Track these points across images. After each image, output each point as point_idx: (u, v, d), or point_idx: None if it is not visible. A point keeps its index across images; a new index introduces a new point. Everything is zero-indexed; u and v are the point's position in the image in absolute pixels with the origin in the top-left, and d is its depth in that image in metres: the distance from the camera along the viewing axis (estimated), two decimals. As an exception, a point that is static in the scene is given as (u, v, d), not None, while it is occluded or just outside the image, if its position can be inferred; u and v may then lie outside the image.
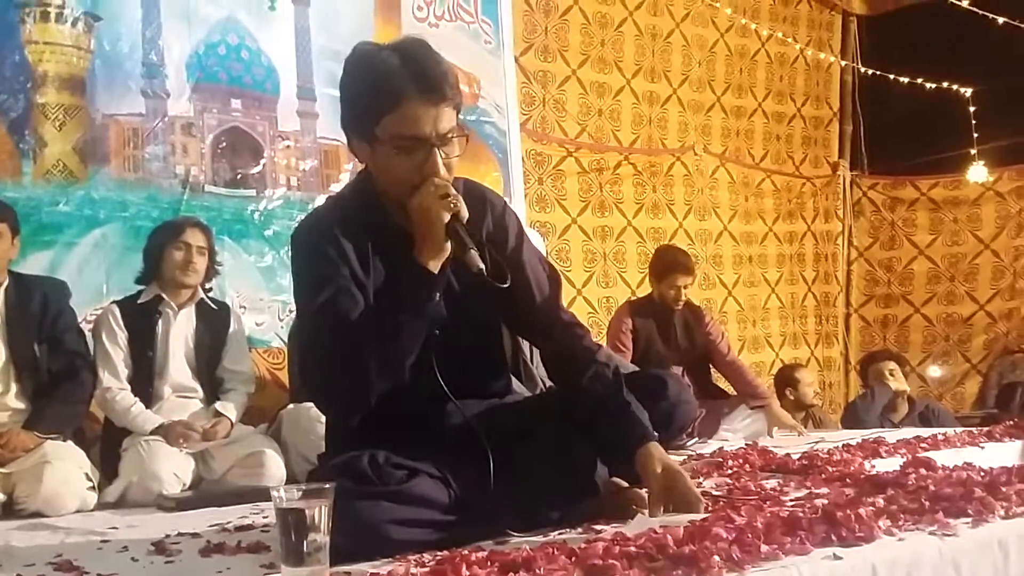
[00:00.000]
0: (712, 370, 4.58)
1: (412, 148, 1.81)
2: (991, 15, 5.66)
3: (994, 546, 1.76)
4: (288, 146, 4.16)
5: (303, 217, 2.10)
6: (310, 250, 1.89)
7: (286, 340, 3.79)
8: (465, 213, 1.81)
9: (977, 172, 6.25)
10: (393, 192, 1.88)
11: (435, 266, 1.80)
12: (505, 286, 1.84)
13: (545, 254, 4.43)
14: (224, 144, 3.99)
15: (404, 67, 1.83)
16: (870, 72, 6.40)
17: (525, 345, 3.27)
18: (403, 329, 1.79)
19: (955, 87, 6.09)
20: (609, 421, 1.94)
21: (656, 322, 4.40)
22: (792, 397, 4.93)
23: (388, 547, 1.71)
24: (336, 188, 4.23)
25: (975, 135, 6.12)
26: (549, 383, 3.61)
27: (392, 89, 1.80)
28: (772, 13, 6.36)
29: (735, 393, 4.48)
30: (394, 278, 1.85)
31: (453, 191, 1.81)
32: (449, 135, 1.83)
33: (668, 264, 4.42)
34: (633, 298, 4.94)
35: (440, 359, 1.88)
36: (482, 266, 1.82)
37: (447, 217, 1.78)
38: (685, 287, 4.38)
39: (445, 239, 1.79)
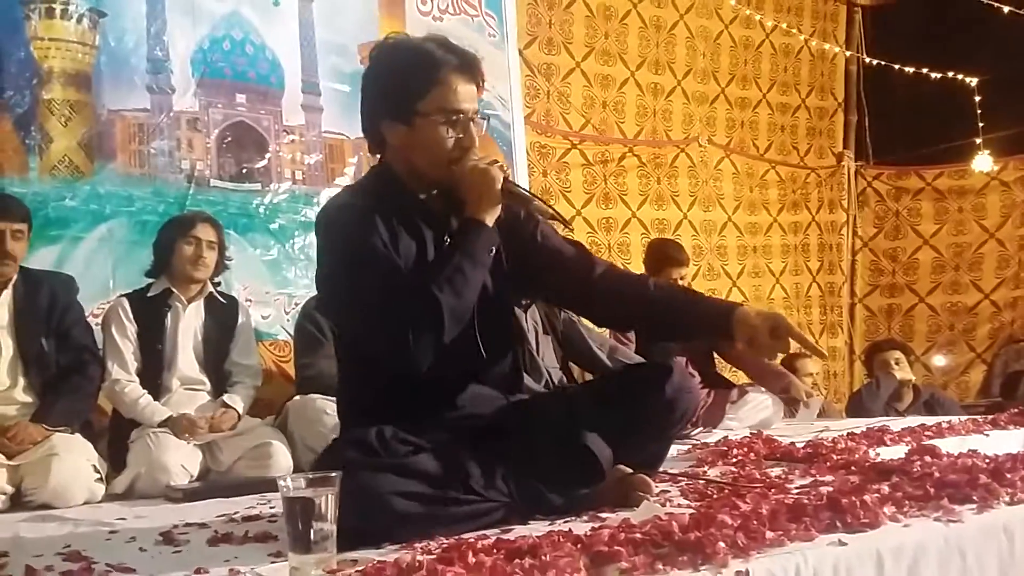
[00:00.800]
0: (716, 359, 4.58)
1: (453, 121, 1.95)
2: (996, 4, 5.64)
3: (999, 532, 1.77)
4: (293, 140, 4.17)
5: (327, 203, 2.15)
6: (345, 225, 1.96)
7: (291, 333, 3.80)
8: (509, 174, 1.99)
9: (982, 161, 6.23)
10: (428, 166, 1.99)
11: (490, 222, 1.94)
12: (570, 229, 2.14)
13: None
14: (229, 139, 4.00)
15: (443, 49, 1.99)
16: (875, 62, 6.38)
17: (531, 338, 3.29)
18: (468, 277, 1.89)
19: (960, 76, 6.07)
20: (695, 306, 2.09)
21: None
22: None
23: (391, 518, 1.74)
24: (341, 182, 4.24)
25: (980, 124, 6.09)
26: (556, 375, 3.64)
27: (437, 66, 1.95)
28: (776, 4, 6.34)
29: (741, 382, 4.48)
30: (439, 243, 1.98)
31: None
32: (477, 113, 2.00)
33: (661, 258, 4.45)
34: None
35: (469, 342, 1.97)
36: (552, 210, 2.05)
37: (502, 178, 1.93)
38: (681, 279, 4.41)
39: (500, 199, 1.94)
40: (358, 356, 2.06)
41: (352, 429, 2.01)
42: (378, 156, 2.13)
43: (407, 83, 1.96)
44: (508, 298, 2.14)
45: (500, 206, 1.96)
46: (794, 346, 6.04)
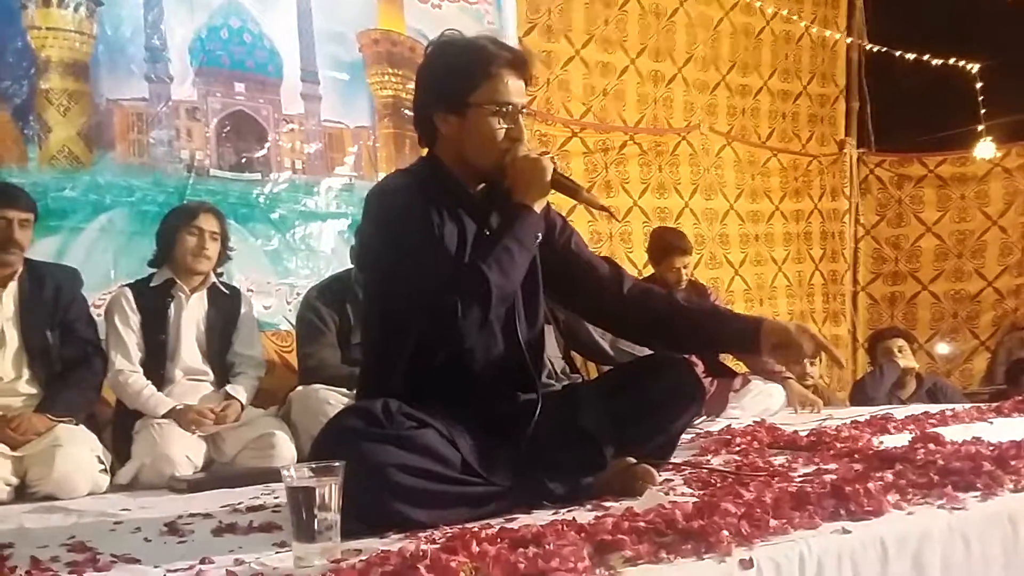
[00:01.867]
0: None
1: (504, 113, 2.04)
2: (998, -11, 5.62)
3: (1003, 519, 1.78)
4: (292, 129, 4.16)
5: (379, 182, 2.26)
6: (393, 202, 2.04)
7: (293, 323, 3.79)
8: (559, 169, 2.08)
9: (985, 148, 6.20)
10: (478, 156, 2.06)
11: (537, 208, 2.02)
12: (612, 216, 2.41)
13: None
14: (228, 128, 3.99)
15: (495, 45, 2.10)
16: (876, 49, 6.35)
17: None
18: (516, 258, 1.96)
19: (962, 63, 6.04)
20: (723, 321, 2.23)
21: None
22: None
23: (391, 491, 1.76)
24: (341, 171, 4.24)
25: (982, 111, 6.07)
26: (558, 365, 3.65)
27: (490, 59, 2.05)
28: (777, -10, 6.32)
29: (744, 371, 4.48)
30: (484, 226, 2.05)
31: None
32: (525, 110, 2.09)
33: (664, 247, 4.44)
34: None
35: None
36: (598, 202, 2.20)
37: (552, 168, 2.01)
38: (684, 267, 4.40)
39: (549, 189, 2.03)
40: (392, 332, 2.08)
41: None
42: (426, 150, 2.21)
43: (461, 75, 2.06)
44: (540, 299, 2.18)
45: (547, 196, 2.04)
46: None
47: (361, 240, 2.12)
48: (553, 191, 2.07)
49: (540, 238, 2.03)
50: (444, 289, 1.90)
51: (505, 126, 2.04)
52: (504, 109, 2.03)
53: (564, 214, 5.16)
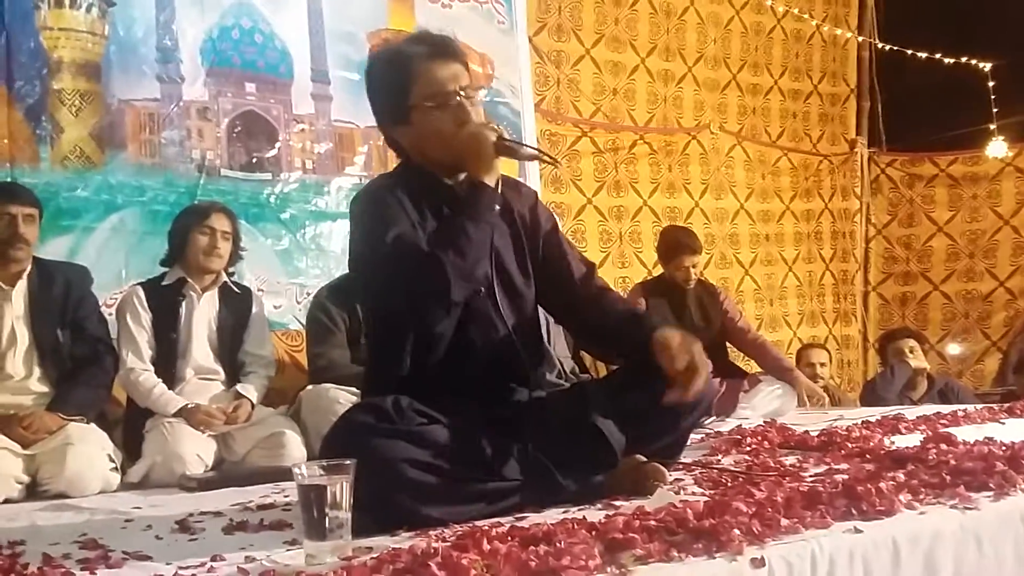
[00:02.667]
0: (730, 348, 4.57)
1: (443, 103, 2.04)
2: (1010, -12, 5.60)
3: (1016, 519, 1.77)
4: (303, 129, 4.17)
5: (360, 189, 2.27)
6: (372, 204, 2.07)
7: (303, 323, 3.80)
8: (505, 134, 2.06)
9: (997, 147, 6.18)
10: (438, 153, 2.07)
11: (489, 181, 2.00)
12: (560, 163, 2.12)
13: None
14: (239, 128, 4.00)
15: (415, 44, 2.11)
16: (887, 47, 6.33)
17: (543, 328, 3.27)
18: (471, 239, 1.94)
19: (974, 62, 6.02)
20: (627, 326, 2.16)
21: (669, 302, 4.40)
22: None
23: (402, 486, 1.76)
24: (351, 171, 4.25)
25: (995, 110, 6.05)
26: (567, 365, 3.65)
27: (409, 60, 2.07)
28: (788, -11, 6.31)
29: (754, 371, 4.48)
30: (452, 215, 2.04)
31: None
32: (470, 90, 2.07)
33: (673, 245, 4.44)
34: (646, 279, 4.94)
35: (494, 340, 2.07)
36: (536, 150, 2.20)
37: (494, 136, 1.99)
38: (693, 266, 4.39)
39: (495, 156, 2.00)
40: (385, 330, 2.12)
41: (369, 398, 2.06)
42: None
43: (392, 87, 2.09)
44: (531, 286, 2.19)
45: (496, 166, 2.02)
46: (807, 336, 6.02)
47: (350, 242, 2.14)
48: (503, 158, 2.06)
49: (497, 209, 2.01)
50: (406, 280, 1.91)
51: (449, 114, 2.04)
52: (441, 100, 2.03)
53: (575, 214, 5.26)
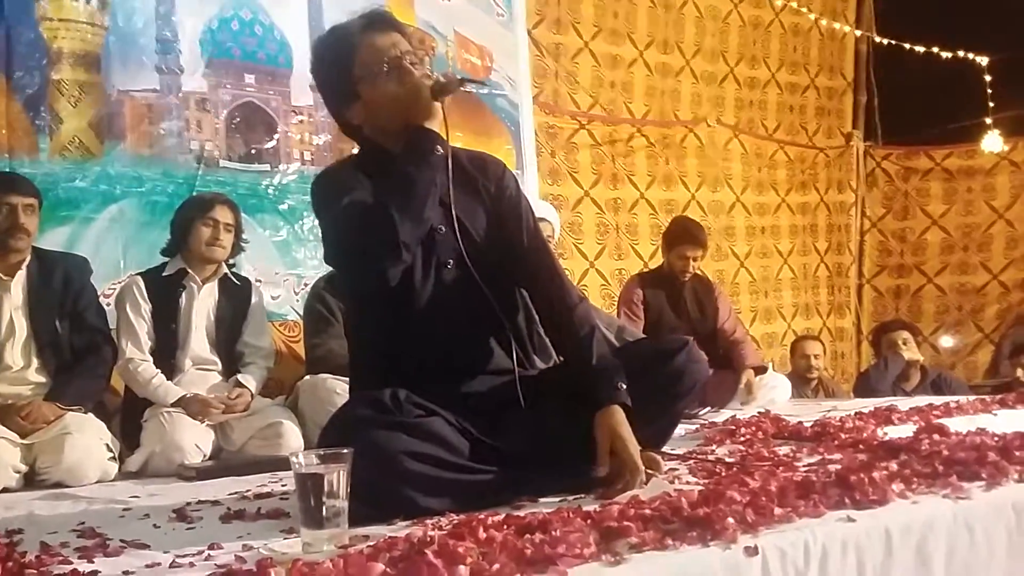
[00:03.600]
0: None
1: (385, 70, 2.04)
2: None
3: (1008, 509, 1.77)
4: (301, 121, 4.17)
5: (316, 175, 2.24)
6: (327, 182, 2.11)
7: (301, 313, 3.81)
8: (443, 79, 2.04)
9: (992, 141, 6.20)
10: (390, 121, 2.06)
11: (431, 126, 1.99)
12: (482, 83, 2.29)
13: (559, 227, 4.45)
14: (238, 119, 4.00)
15: (353, 22, 2.11)
16: (884, 42, 6.34)
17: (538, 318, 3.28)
18: (414, 179, 1.95)
19: (970, 56, 6.03)
20: (580, 377, 2.04)
21: (666, 293, 4.42)
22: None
23: (402, 478, 1.77)
24: (350, 162, 4.25)
25: (990, 104, 6.07)
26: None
27: (348, 34, 2.09)
28: (786, -17, 6.31)
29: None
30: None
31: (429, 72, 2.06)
32: (410, 55, 2.06)
33: (678, 234, 4.46)
34: (643, 271, 4.96)
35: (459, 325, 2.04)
36: (462, 78, 2.14)
37: (429, 83, 2.00)
38: (694, 259, 4.41)
39: (432, 99, 1.99)
40: (356, 311, 2.15)
41: (363, 390, 2.05)
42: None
43: (336, 64, 2.09)
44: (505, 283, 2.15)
45: (434, 110, 2.00)
46: (801, 328, 6.05)
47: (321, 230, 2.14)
48: (440, 100, 2.04)
49: (440, 151, 1.99)
50: (354, 229, 1.92)
51: (393, 79, 2.04)
52: (383, 67, 2.04)
53: (572, 206, 5.28)
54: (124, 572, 1.52)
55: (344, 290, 2.26)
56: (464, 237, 2.07)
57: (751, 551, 1.42)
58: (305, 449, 3.03)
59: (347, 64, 2.06)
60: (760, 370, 4.44)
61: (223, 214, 3.33)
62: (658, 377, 2.07)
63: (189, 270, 3.31)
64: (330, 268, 3.80)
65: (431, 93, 2.00)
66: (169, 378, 3.19)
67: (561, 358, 2.21)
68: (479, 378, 2.06)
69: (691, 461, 2.28)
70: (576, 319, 2.10)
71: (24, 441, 2.83)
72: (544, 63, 5.19)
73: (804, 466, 2.11)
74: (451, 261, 2.06)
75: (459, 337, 2.05)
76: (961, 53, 6.01)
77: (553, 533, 1.46)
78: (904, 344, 4.81)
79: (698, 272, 4.58)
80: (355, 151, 2.25)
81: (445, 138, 2.01)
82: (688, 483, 1.98)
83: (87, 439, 2.84)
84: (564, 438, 1.98)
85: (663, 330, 4.24)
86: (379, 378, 1.99)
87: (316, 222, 4.02)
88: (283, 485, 2.37)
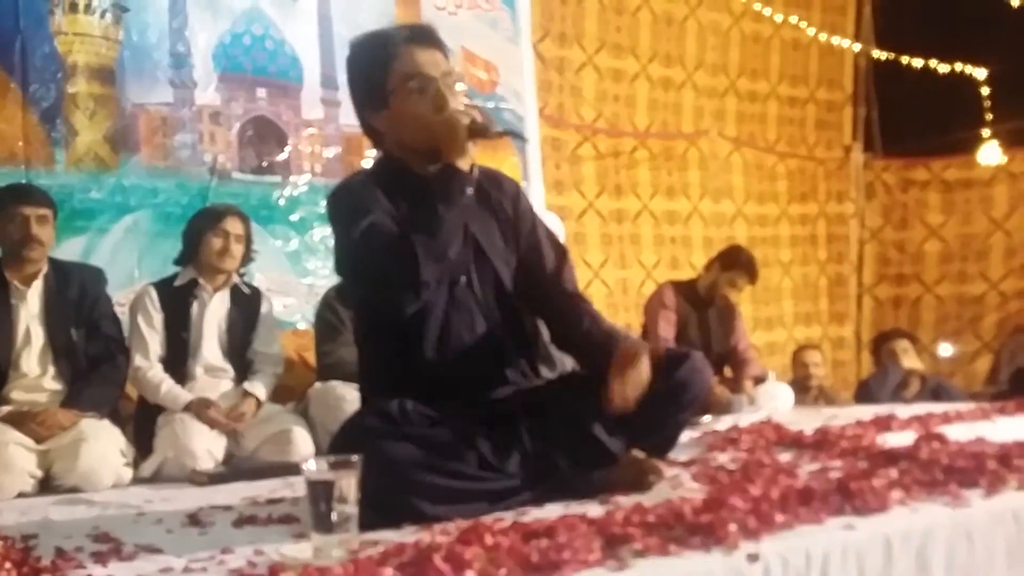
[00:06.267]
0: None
1: (422, 87, 2.02)
2: (1005, -4, 5.64)
3: (1007, 517, 1.78)
4: (312, 134, 4.21)
5: (334, 186, 2.23)
6: (347, 197, 2.06)
7: (312, 321, 3.85)
8: (479, 118, 2.00)
9: (990, 153, 6.22)
10: (414, 139, 2.04)
11: (463, 165, 1.95)
12: (526, 140, 2.21)
13: (564, 237, 4.49)
14: (250, 132, 4.05)
15: (396, 29, 2.12)
16: (883, 55, 6.36)
17: (542, 325, 3.32)
18: (442, 220, 1.91)
19: (968, 69, 6.06)
20: (596, 339, 2.16)
21: (694, 308, 4.45)
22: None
23: (410, 488, 1.79)
24: (358, 174, 4.29)
25: (989, 116, 6.09)
26: (569, 363, 3.69)
27: (390, 42, 2.05)
28: (786, -2, 6.36)
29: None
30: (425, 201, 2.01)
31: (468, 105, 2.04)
32: (449, 77, 2.05)
33: (740, 262, 4.45)
34: (677, 280, 4.95)
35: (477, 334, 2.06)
36: (502, 129, 2.11)
37: (466, 121, 1.95)
38: (738, 291, 4.45)
39: (467, 139, 1.95)
40: (367, 325, 2.14)
41: (373, 401, 2.06)
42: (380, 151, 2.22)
43: (372, 69, 2.06)
44: (514, 276, 2.19)
45: (467, 150, 1.97)
46: (802, 337, 6.04)
47: (333, 243, 2.15)
48: (476, 142, 2.02)
49: (469, 192, 1.96)
50: (376, 261, 1.91)
51: (427, 99, 2.01)
52: (419, 83, 2.02)
53: (576, 217, 5.31)
54: (137, 576, 1.53)
55: (355, 305, 2.24)
56: (478, 254, 2.10)
57: (753, 558, 1.44)
58: (316, 455, 3.08)
59: (383, 71, 2.04)
60: (759, 380, 4.47)
61: (233, 225, 3.36)
62: (662, 387, 2.07)
63: (200, 280, 3.34)
64: (339, 278, 3.87)
65: (467, 133, 1.96)
66: (181, 385, 3.22)
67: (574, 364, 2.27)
68: (489, 389, 2.08)
69: (694, 468, 2.28)
70: (596, 320, 2.20)
71: (40, 447, 2.85)
72: (549, 77, 5.20)
73: (805, 473, 2.11)
74: (464, 277, 2.08)
75: (469, 350, 2.06)
76: (959, 66, 6.03)
77: (559, 539, 1.48)
78: (904, 353, 4.81)
79: (727, 297, 4.61)
80: (370, 161, 2.24)
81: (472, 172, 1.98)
82: (691, 490, 1.98)
83: (102, 445, 2.87)
84: (573, 445, 2.00)
85: (683, 342, 4.25)
86: (390, 387, 2.01)
87: (327, 233, 4.15)
88: (294, 491, 2.37)
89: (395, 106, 2.04)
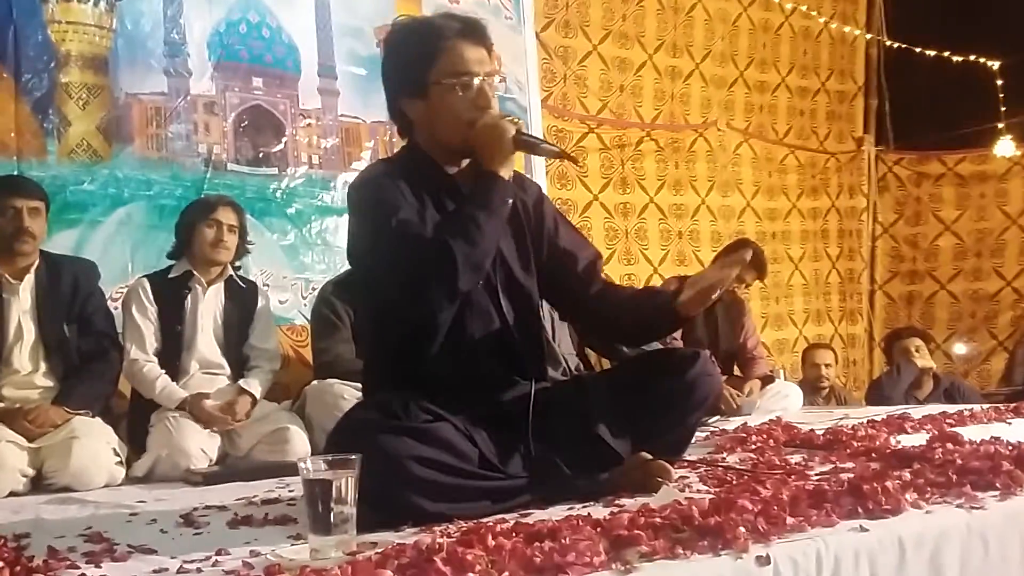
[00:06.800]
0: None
1: (465, 84, 2.00)
2: (1020, -14, 5.58)
3: (1022, 519, 1.77)
4: (309, 124, 4.18)
5: (356, 176, 2.23)
6: (373, 191, 2.03)
7: (308, 317, 3.82)
8: (525, 128, 2.03)
9: (1005, 146, 6.16)
10: (448, 133, 2.03)
11: (505, 175, 1.96)
12: (578, 162, 2.24)
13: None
14: (246, 122, 4.01)
15: (447, 20, 2.07)
16: (896, 45, 6.31)
17: (547, 325, 3.28)
18: (483, 230, 1.91)
19: (982, 60, 6.00)
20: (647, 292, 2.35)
21: None
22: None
23: (408, 483, 1.76)
24: (358, 166, 4.24)
25: (1003, 108, 6.03)
26: (572, 362, 3.65)
27: (440, 34, 2.03)
28: (795, -15, 6.29)
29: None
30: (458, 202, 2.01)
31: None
32: (492, 77, 2.05)
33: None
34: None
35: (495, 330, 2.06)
36: (558, 148, 2.16)
37: (513, 130, 1.95)
38: (746, 286, 4.46)
39: (513, 150, 1.97)
40: (379, 320, 2.11)
41: (374, 395, 2.06)
42: (406, 139, 2.19)
43: (416, 57, 2.04)
44: (532, 279, 2.18)
45: (511, 159, 1.99)
46: (812, 335, 6.01)
47: (349, 233, 2.11)
48: (520, 151, 2.05)
49: (510, 203, 1.99)
50: (410, 266, 1.88)
51: (469, 97, 2.01)
52: (464, 80, 2.00)
53: (581, 210, 5.26)
54: (130, 577, 1.52)
55: (374, 302, 2.16)
56: (499, 261, 2.08)
57: (763, 560, 1.42)
58: (312, 454, 3.03)
59: (427, 61, 2.01)
60: (767, 380, 4.42)
61: (226, 215, 3.33)
62: (671, 389, 2.08)
63: (194, 272, 3.32)
64: (337, 272, 3.83)
65: (514, 143, 1.96)
66: (176, 380, 3.20)
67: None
68: (497, 389, 2.06)
69: (702, 469, 2.27)
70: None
71: (31, 445, 2.83)
72: (552, 66, 5.17)
73: (816, 475, 2.10)
74: (480, 280, 2.04)
75: (480, 350, 2.05)
76: (973, 57, 5.99)
77: (563, 541, 1.46)
78: (917, 351, 4.79)
79: (735, 292, 4.58)
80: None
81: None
82: (699, 491, 1.98)
83: (94, 443, 2.85)
84: (578, 446, 1.98)
85: (690, 340, 4.23)
86: (396, 383, 1.99)
87: (324, 226, 4.11)
88: (290, 491, 2.37)
89: (434, 98, 2.02)
